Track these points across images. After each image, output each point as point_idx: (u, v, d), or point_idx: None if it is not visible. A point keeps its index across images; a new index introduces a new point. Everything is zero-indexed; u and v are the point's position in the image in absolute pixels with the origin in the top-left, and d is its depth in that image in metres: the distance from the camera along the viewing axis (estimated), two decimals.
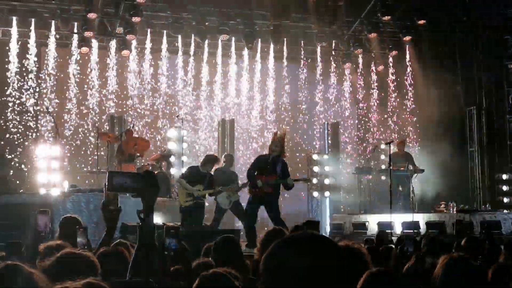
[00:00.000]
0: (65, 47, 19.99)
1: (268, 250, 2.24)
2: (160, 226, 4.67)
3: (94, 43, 19.88)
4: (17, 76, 19.26)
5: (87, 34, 18.90)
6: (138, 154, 16.80)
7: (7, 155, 17.21)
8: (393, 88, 22.35)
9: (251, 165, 13.15)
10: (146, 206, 3.80)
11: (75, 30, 19.46)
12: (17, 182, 17.92)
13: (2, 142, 18.99)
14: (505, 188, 20.38)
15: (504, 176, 20.43)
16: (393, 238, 12.19)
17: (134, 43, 20.03)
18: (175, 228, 4.84)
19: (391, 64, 22.26)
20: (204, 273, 3.93)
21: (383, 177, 19.19)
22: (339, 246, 2.25)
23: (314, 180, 19.59)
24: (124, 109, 20.44)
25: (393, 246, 7.80)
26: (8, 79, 19.19)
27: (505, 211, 18.63)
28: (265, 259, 2.22)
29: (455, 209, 18.09)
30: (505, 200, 20.21)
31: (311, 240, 2.22)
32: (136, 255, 3.78)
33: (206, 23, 19.92)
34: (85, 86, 20.08)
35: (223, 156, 15.75)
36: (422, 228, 15.80)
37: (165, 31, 20.23)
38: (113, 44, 20.11)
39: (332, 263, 2.15)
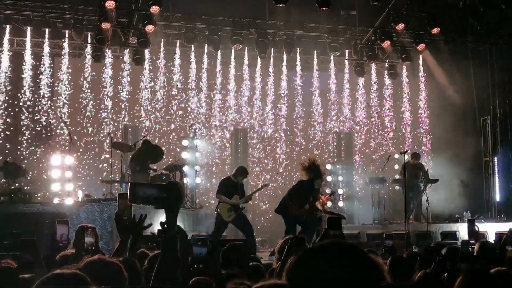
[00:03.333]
0: (79, 57, 20.08)
1: (294, 259, 2.20)
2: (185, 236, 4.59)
3: (108, 53, 19.96)
4: (31, 85, 19.36)
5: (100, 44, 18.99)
6: (152, 163, 16.79)
7: (23, 165, 17.23)
8: (407, 98, 22.29)
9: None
10: (170, 217, 3.75)
11: (89, 40, 19.52)
12: (31, 191, 17.95)
13: (18, 152, 19.09)
14: None
15: None
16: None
17: (147, 52, 20.09)
18: (203, 239, 4.79)
19: (404, 74, 22.21)
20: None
21: (396, 187, 19.13)
22: (367, 256, 2.21)
23: (327, 190, 19.53)
24: (138, 119, 20.45)
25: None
26: (22, 89, 19.30)
27: None
28: (291, 268, 2.19)
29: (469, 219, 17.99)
30: None
31: (340, 250, 2.19)
32: (160, 267, 3.73)
33: (219, 33, 19.96)
34: (99, 96, 20.14)
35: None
36: (437, 238, 15.71)
37: (178, 41, 20.29)
38: (126, 54, 20.18)
39: (360, 273, 2.12)
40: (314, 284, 2.10)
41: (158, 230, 3.76)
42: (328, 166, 20.41)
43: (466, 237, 14.77)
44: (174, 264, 3.76)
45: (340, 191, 20.19)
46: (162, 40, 20.25)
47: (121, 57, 20.28)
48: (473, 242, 11.37)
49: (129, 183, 4.42)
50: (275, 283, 2.89)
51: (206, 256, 4.54)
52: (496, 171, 20.74)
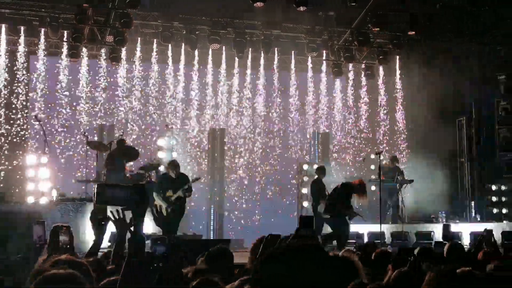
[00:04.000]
0: (55, 56, 19.88)
1: (262, 258, 2.20)
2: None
3: (84, 52, 19.79)
4: (6, 84, 19.14)
5: (76, 42, 18.82)
6: (127, 163, 16.72)
7: None
8: (383, 99, 22.39)
9: None
10: (136, 218, 3.73)
11: (65, 39, 19.35)
12: (5, 190, 17.77)
13: None
14: (494, 199, 20.40)
15: (494, 187, 20.47)
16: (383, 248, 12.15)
17: (123, 51, 19.94)
18: (162, 238, 4.81)
19: (381, 75, 22.32)
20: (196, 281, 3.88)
21: (372, 188, 19.20)
22: (332, 257, 2.22)
23: (304, 190, 19.56)
24: (114, 118, 20.30)
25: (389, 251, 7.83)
26: None
27: (494, 221, 18.68)
28: (259, 267, 2.19)
29: (444, 219, 18.18)
30: (494, 211, 20.23)
31: (304, 252, 2.19)
32: (127, 267, 3.71)
33: (197, 32, 19.90)
34: (75, 94, 19.96)
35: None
36: (412, 238, 15.82)
37: (155, 40, 20.20)
38: (103, 52, 20.03)
39: (326, 274, 2.12)
40: (280, 283, 2.10)
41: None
42: (305, 166, 20.44)
43: (441, 238, 14.92)
44: (141, 264, 3.75)
45: None
46: (139, 39, 20.14)
47: (97, 56, 20.11)
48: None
49: (97, 184, 4.37)
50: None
51: (165, 254, 4.53)
52: (471, 171, 20.91)
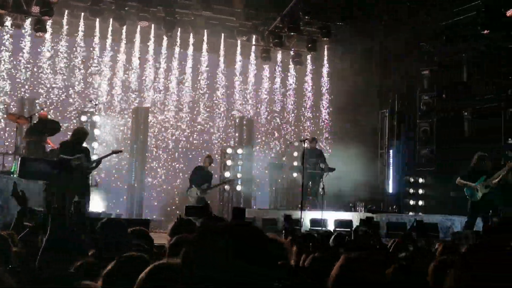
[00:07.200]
0: None
1: (192, 239, 2.19)
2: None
3: (8, 22, 19.14)
4: None
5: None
6: (48, 137, 16.32)
7: None
8: (310, 87, 22.60)
9: None
10: (59, 192, 3.65)
11: None
12: None
13: None
14: (411, 190, 20.93)
15: (412, 179, 20.99)
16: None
17: (49, 23, 19.37)
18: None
19: (309, 63, 22.52)
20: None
21: (294, 174, 19.41)
22: (266, 237, 2.23)
23: (227, 174, 19.59)
24: (37, 91, 19.73)
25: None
26: None
27: (410, 213, 19.17)
28: (188, 249, 2.18)
29: (363, 209, 18.55)
30: (411, 202, 20.75)
31: (239, 230, 2.19)
32: (48, 242, 3.61)
33: (126, 8, 19.55)
34: None
35: None
36: (331, 225, 16.05)
37: (82, 14, 19.73)
38: (28, 23, 19.42)
39: (259, 252, 2.14)
40: (210, 265, 2.09)
41: (47, 206, 3.66)
42: (229, 150, 20.48)
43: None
44: (62, 239, 3.67)
45: (239, 175, 20.29)
46: (66, 11, 19.64)
47: (21, 27, 19.48)
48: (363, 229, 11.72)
49: (19, 158, 4.25)
50: (166, 263, 2.88)
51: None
52: (391, 163, 21.37)
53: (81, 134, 13.52)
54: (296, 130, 22.46)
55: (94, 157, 16.03)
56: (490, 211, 14.85)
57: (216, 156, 20.68)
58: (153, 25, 20.34)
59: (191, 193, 16.50)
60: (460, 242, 9.23)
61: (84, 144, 13.54)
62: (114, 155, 15.17)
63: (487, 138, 19.10)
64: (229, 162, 20.21)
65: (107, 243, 4.60)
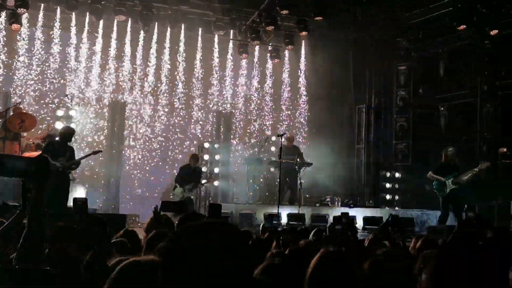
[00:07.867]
0: None
1: (170, 237, 2.20)
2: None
3: None
4: None
5: None
6: (23, 132, 16.17)
7: None
8: (287, 82, 22.62)
9: None
10: (37, 190, 3.59)
11: None
12: None
13: None
14: (388, 185, 21.06)
15: (388, 174, 21.11)
16: (278, 229, 12.33)
17: (25, 17, 19.14)
18: None
19: (286, 58, 22.52)
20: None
21: (272, 169, 19.42)
22: (242, 232, 2.24)
23: (204, 168, 19.55)
24: (11, 85, 19.49)
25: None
26: None
27: (386, 207, 19.28)
28: (166, 246, 2.17)
29: (339, 203, 18.63)
30: (387, 197, 20.88)
31: (218, 228, 2.20)
32: (25, 240, 3.57)
33: (103, 2, 19.37)
34: None
35: None
36: (307, 220, 16.09)
37: (58, 7, 19.52)
38: (3, 16, 19.19)
39: (236, 246, 2.15)
40: (188, 261, 2.09)
41: (25, 204, 3.61)
42: (206, 145, 20.44)
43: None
44: (39, 238, 3.63)
45: (216, 170, 20.27)
46: (42, 5, 19.44)
47: None
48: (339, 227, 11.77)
49: None
50: (140, 259, 2.84)
51: None
52: (367, 158, 21.47)
53: (67, 134, 13.60)
54: (274, 124, 22.44)
55: None
56: (466, 206, 15.00)
57: (192, 149, 20.68)
58: (130, 20, 20.17)
59: (176, 193, 16.52)
60: (436, 237, 9.31)
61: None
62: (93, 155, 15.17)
63: (463, 133, 19.28)
64: (206, 157, 20.18)
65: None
